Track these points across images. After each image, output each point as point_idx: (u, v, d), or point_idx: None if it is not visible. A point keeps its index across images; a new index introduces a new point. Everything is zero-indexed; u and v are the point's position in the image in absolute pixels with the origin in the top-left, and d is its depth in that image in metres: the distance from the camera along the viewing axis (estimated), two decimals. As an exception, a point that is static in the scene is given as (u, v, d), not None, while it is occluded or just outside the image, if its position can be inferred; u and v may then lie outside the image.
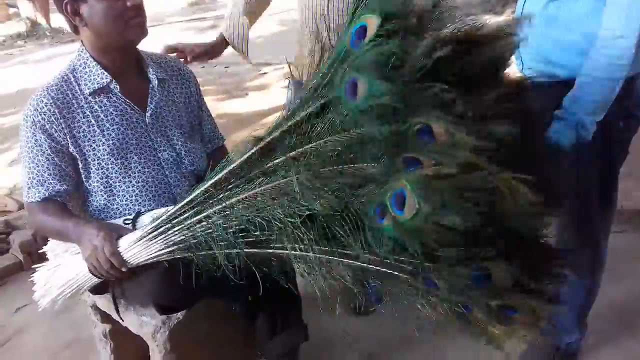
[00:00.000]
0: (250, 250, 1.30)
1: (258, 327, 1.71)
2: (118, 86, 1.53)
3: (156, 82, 1.60)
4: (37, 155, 1.51)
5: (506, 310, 1.19)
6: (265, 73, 7.00)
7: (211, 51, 2.10)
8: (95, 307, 1.92)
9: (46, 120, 1.49)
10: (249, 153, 1.33)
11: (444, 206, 1.04)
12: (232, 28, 2.08)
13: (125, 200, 1.58)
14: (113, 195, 1.58)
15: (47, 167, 1.52)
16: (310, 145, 1.26)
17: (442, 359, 2.05)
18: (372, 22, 1.17)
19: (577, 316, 1.86)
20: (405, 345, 2.12)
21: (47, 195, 1.53)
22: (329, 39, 1.95)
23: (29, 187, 1.54)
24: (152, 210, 1.58)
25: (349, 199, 1.21)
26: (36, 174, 1.53)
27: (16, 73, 8.75)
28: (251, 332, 1.72)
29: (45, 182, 1.53)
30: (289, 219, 1.25)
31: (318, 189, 1.22)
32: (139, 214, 1.54)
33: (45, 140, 1.49)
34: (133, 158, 1.56)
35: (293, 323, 1.73)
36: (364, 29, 1.19)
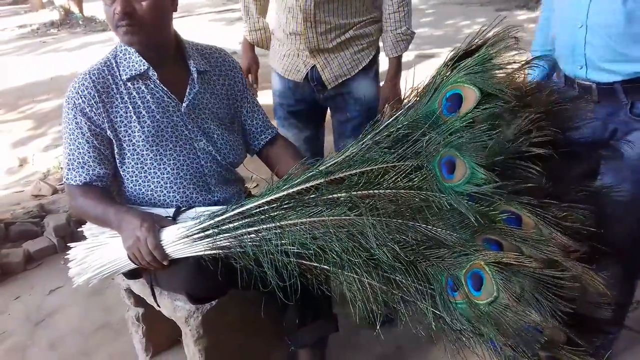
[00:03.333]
0: (299, 261, 1.31)
1: (288, 317, 1.72)
2: (156, 74, 1.55)
3: (196, 74, 1.60)
4: (78, 138, 1.54)
5: None
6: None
7: (257, 59, 2.46)
8: (129, 291, 1.96)
9: (86, 103, 1.52)
10: (314, 182, 1.34)
11: (521, 298, 1.08)
12: (256, 34, 2.35)
13: (160, 187, 1.60)
14: (147, 182, 1.60)
15: (87, 150, 1.55)
16: (381, 191, 1.27)
17: (471, 355, 2.04)
18: (471, 96, 1.19)
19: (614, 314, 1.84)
20: (434, 339, 2.11)
21: (87, 179, 1.56)
22: (317, 42, 2.03)
23: (70, 169, 1.57)
24: (187, 199, 1.61)
25: (415, 256, 1.23)
26: (77, 156, 1.56)
27: (49, 61, 8.89)
28: (281, 321, 1.74)
29: (85, 164, 1.56)
30: (348, 256, 1.26)
31: (383, 237, 1.23)
32: (179, 210, 1.56)
33: (86, 123, 1.53)
34: (168, 145, 1.58)
35: (323, 314, 1.74)
36: (458, 97, 1.21)
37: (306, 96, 2.21)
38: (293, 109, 2.26)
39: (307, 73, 2.11)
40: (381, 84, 2.24)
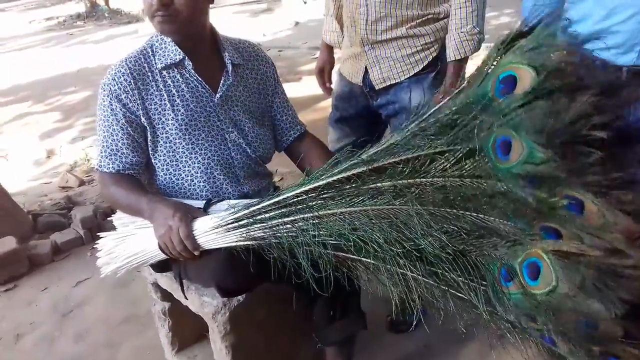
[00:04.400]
0: (336, 253, 1.28)
1: (316, 314, 1.70)
2: (191, 63, 1.54)
3: (230, 66, 1.60)
4: (112, 125, 1.54)
5: (608, 356, 1.13)
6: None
7: (331, 60, 2.36)
8: (156, 285, 1.96)
9: (122, 90, 1.51)
10: (355, 171, 1.30)
11: (582, 287, 1.01)
12: (330, 35, 2.27)
13: (190, 176, 1.59)
14: (179, 170, 1.59)
15: (121, 137, 1.54)
16: (429, 179, 1.22)
17: (502, 353, 2.00)
18: (526, 76, 1.10)
19: None
20: (462, 338, 2.07)
21: (120, 167, 1.56)
22: (366, 32, 1.92)
23: (103, 156, 1.57)
24: (217, 189, 1.60)
25: (466, 245, 1.18)
26: (110, 142, 1.55)
27: (76, 53, 9.00)
28: (310, 318, 1.72)
29: (118, 151, 1.55)
30: (390, 246, 1.21)
31: (430, 226, 1.18)
32: (209, 201, 1.55)
33: (120, 110, 1.52)
34: (201, 135, 1.57)
35: (352, 311, 1.71)
36: (512, 78, 1.13)
37: (360, 103, 2.12)
38: (345, 114, 2.19)
39: (362, 78, 2.03)
40: None
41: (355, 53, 2.02)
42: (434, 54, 1.95)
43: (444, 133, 1.24)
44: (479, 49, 1.91)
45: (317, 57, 7.31)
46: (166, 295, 1.96)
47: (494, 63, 1.19)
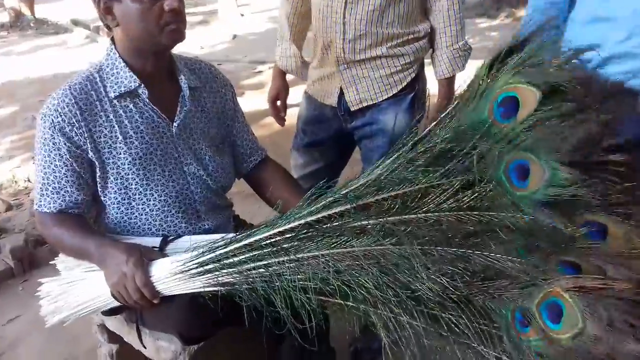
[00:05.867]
0: (318, 297, 1.16)
1: (283, 352, 1.59)
2: (146, 91, 1.39)
3: (187, 91, 1.45)
4: (55, 160, 1.37)
5: None
6: (260, 71, 6.88)
7: (286, 86, 2.20)
8: (102, 327, 1.78)
9: (67, 122, 1.34)
10: (337, 209, 1.18)
11: (612, 326, 0.92)
12: (287, 61, 2.10)
13: (145, 215, 1.44)
14: (131, 209, 1.44)
15: (64, 173, 1.37)
16: (421, 215, 1.10)
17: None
18: (530, 97, 1.02)
19: None
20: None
21: (63, 205, 1.39)
22: (343, 51, 1.82)
23: (42, 195, 1.40)
24: (175, 228, 1.45)
25: (469, 289, 1.07)
26: (52, 180, 1.38)
27: (0, 65, 8.47)
28: (276, 357, 1.60)
29: (61, 189, 1.38)
30: (380, 293, 1.09)
31: (427, 268, 1.06)
32: (166, 239, 1.40)
33: (65, 144, 1.35)
34: (156, 170, 1.42)
35: (321, 348, 1.61)
36: (512, 100, 1.05)
37: (332, 126, 2.01)
38: (315, 138, 2.07)
39: (337, 99, 1.92)
40: None
41: (328, 73, 1.91)
42: (413, 75, 1.88)
43: (436, 164, 1.14)
44: (465, 67, 1.89)
45: (258, 71, 7.20)
46: (114, 338, 1.78)
47: (486, 83, 1.11)
